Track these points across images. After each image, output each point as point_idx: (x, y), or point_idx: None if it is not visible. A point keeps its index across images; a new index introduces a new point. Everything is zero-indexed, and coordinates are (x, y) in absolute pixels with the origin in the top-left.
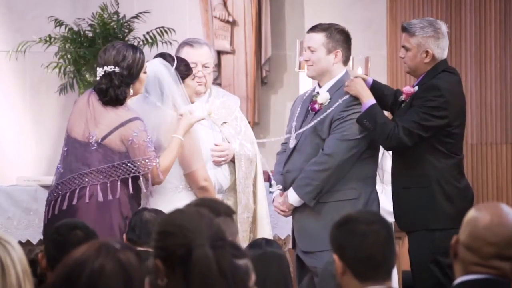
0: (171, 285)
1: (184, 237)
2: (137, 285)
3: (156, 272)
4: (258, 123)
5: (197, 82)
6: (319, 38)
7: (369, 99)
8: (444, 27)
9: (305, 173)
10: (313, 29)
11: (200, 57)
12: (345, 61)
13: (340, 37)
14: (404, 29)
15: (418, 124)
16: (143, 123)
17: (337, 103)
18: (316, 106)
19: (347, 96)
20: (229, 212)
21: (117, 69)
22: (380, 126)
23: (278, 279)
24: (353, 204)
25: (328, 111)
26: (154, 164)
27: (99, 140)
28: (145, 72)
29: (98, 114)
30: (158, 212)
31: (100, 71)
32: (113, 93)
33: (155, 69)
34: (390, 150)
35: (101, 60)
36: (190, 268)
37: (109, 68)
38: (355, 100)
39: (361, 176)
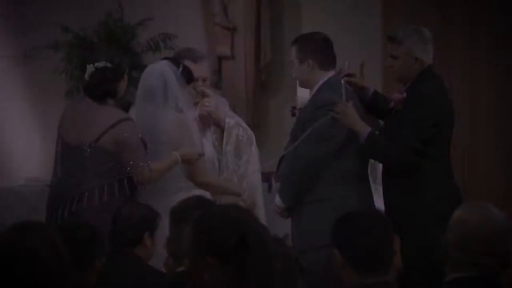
0: (223, 278)
1: (236, 226)
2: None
3: (204, 268)
4: (257, 127)
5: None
6: (293, 50)
7: (364, 129)
8: (428, 33)
9: (281, 176)
10: (292, 42)
11: (201, 72)
12: (322, 65)
13: (307, 46)
14: (390, 38)
15: (419, 142)
16: (134, 123)
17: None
18: (296, 112)
19: (316, 99)
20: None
21: (108, 65)
22: (387, 156)
23: (285, 280)
24: (334, 204)
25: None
26: (143, 164)
27: (93, 144)
28: (127, 74)
29: (89, 119)
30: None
31: (90, 68)
32: (106, 87)
33: (161, 69)
34: (402, 173)
35: (91, 59)
36: (247, 255)
37: (101, 64)
38: (324, 101)
39: (341, 174)
